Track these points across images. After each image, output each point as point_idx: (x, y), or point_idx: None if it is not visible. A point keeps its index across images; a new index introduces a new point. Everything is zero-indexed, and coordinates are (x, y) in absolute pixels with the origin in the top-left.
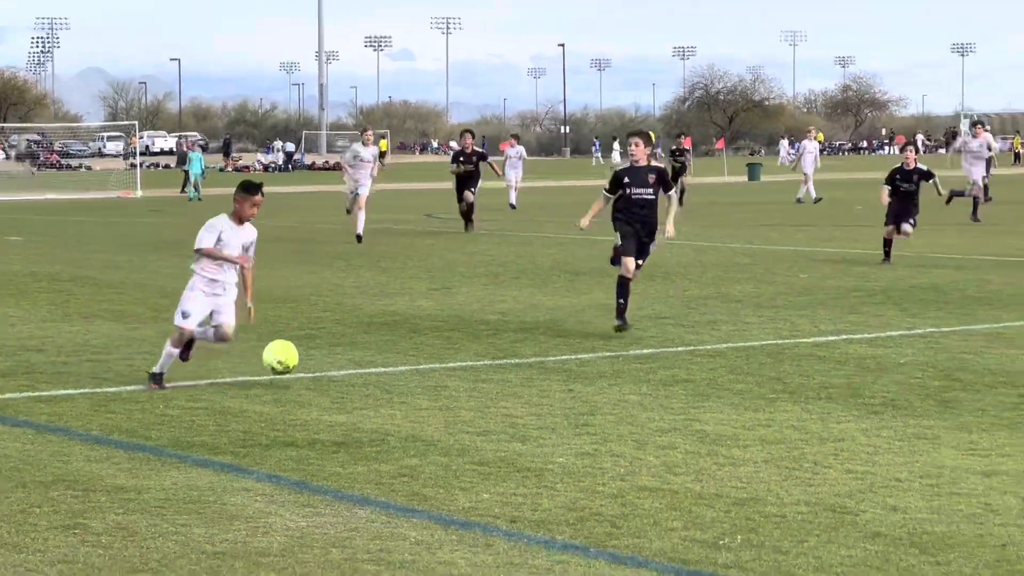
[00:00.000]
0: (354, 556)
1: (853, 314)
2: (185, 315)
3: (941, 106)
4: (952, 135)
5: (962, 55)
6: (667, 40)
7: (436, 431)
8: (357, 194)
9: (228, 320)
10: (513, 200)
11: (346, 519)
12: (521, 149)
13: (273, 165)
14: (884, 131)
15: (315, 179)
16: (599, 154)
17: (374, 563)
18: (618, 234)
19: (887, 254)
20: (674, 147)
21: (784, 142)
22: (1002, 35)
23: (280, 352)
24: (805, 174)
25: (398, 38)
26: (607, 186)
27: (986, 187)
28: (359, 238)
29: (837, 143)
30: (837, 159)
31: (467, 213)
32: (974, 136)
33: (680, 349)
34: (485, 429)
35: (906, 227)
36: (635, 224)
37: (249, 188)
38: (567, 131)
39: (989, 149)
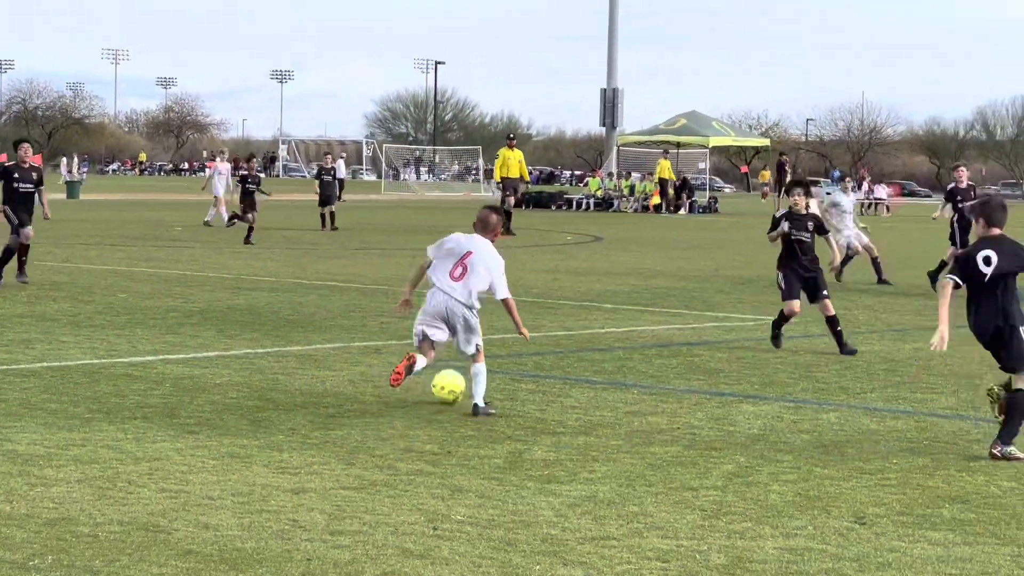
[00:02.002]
0: None
1: (171, 334)
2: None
3: (261, 130)
4: (271, 159)
5: (281, 82)
6: None
7: None
8: None
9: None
10: None
11: None
12: None
13: None
14: (205, 153)
15: None
16: None
17: None
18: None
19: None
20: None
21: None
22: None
23: (451, 384)
24: (216, 196)
25: None
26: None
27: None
28: None
29: (159, 164)
30: (158, 179)
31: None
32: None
33: None
34: None
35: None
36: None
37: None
38: None
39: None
